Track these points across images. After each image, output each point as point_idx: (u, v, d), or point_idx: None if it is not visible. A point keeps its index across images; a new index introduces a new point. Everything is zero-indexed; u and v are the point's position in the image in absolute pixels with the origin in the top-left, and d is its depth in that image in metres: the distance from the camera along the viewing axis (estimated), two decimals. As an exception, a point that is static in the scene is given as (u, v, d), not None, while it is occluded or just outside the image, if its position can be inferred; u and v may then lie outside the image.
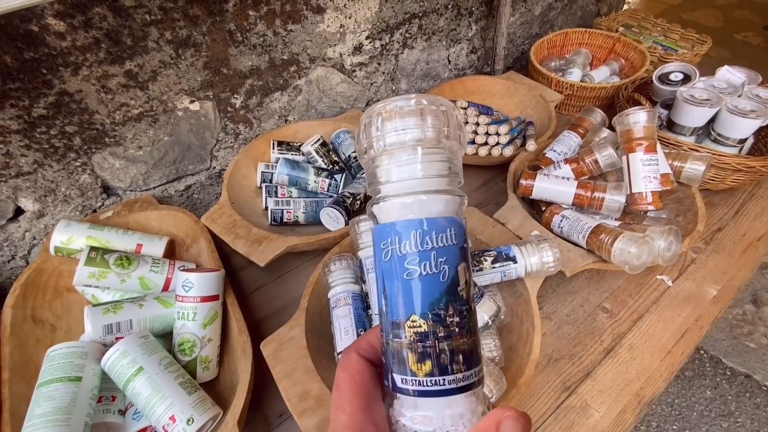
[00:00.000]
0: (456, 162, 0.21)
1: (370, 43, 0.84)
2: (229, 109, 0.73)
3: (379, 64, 0.89)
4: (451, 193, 0.20)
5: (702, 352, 1.31)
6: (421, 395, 0.19)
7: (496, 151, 0.74)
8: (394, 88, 0.96)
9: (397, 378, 0.20)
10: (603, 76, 1.06)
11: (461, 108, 0.80)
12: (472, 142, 0.76)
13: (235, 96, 0.73)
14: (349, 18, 0.76)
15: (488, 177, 0.85)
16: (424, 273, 0.19)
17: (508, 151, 0.73)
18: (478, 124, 0.77)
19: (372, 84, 0.91)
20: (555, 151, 0.75)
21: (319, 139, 0.74)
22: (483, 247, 0.58)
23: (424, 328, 0.19)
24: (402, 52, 0.92)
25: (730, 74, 0.80)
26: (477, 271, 0.52)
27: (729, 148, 0.76)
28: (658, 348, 0.60)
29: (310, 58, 0.77)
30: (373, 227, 0.21)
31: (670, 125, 0.80)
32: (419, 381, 0.19)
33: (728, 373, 1.25)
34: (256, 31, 0.68)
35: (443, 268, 0.19)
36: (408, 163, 0.20)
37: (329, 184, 0.70)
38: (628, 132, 0.62)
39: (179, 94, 0.66)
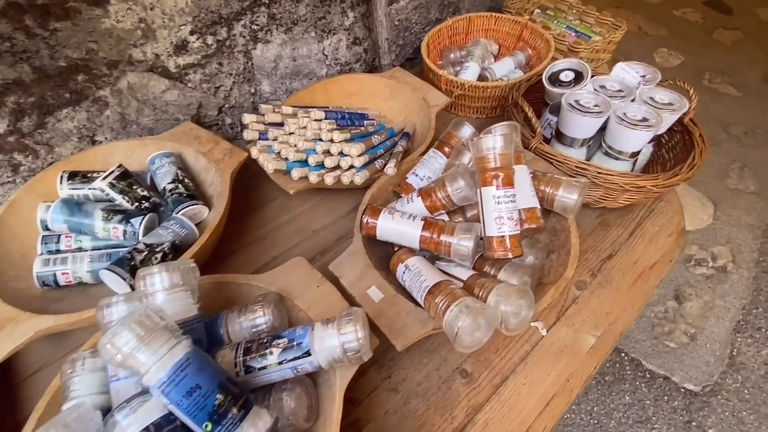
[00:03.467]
0: None
1: (199, 39, 0.67)
2: (-11, 135, 0.56)
3: (220, 64, 0.72)
4: None
5: (623, 354, 1.27)
6: None
7: (345, 178, 0.60)
8: (253, 90, 0.80)
9: None
10: (506, 69, 0.93)
11: (315, 120, 0.65)
12: (321, 165, 0.62)
13: (-6, 118, 0.55)
14: (151, 9, 0.59)
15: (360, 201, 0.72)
16: None
17: (360, 179, 0.59)
18: (332, 141, 0.63)
19: (218, 88, 0.74)
20: (417, 175, 0.62)
21: (113, 172, 0.57)
22: (286, 326, 0.45)
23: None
24: (254, 48, 0.75)
25: (625, 73, 0.69)
26: (260, 370, 0.39)
27: (621, 162, 0.66)
28: (517, 423, 0.50)
29: (108, 62, 0.60)
30: None
31: (559, 136, 0.68)
32: None
33: (647, 375, 1.22)
34: (-5, 32, 0.50)
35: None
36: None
37: (125, 231, 0.55)
38: (481, 160, 0.50)
39: None
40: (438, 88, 0.86)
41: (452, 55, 0.96)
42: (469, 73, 0.88)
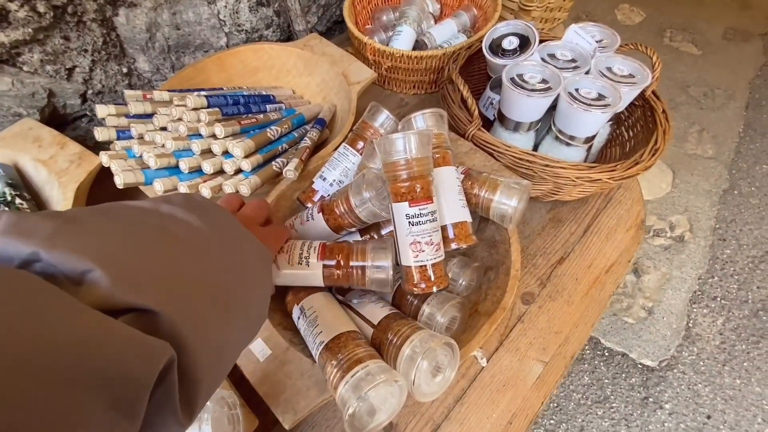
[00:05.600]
0: None
1: (23, 6, 0.49)
2: None
3: (66, 38, 0.55)
4: None
5: (583, 333, 1.24)
6: None
7: (228, 188, 0.46)
8: (125, 69, 0.63)
9: None
10: (448, 33, 0.79)
11: (192, 109, 0.50)
12: (199, 170, 0.48)
13: None
14: None
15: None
16: None
17: (248, 188, 0.46)
18: (215, 137, 0.49)
19: (72, 70, 0.57)
20: (325, 178, 0.49)
21: None
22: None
23: None
24: (115, 14, 0.58)
25: (579, 38, 0.57)
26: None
27: (574, 148, 0.55)
28: (448, 487, 0.41)
29: None
30: None
31: (502, 119, 0.57)
32: None
33: (606, 354, 1.19)
34: None
35: None
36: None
37: None
38: (390, 167, 0.37)
39: None
40: (365, 60, 0.71)
41: (384, 17, 0.81)
42: (403, 40, 0.73)
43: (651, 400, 1.12)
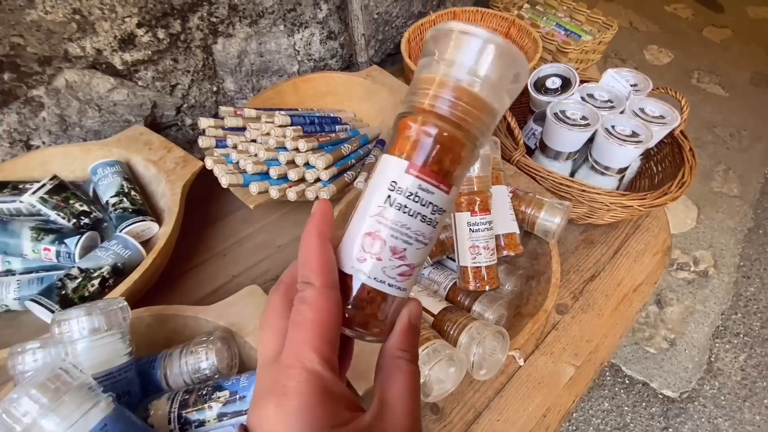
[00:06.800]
0: None
1: (148, 32, 0.60)
2: None
3: (175, 60, 0.65)
4: None
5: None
6: None
7: (310, 194, 0.54)
8: (215, 88, 0.73)
9: None
10: (491, 69, 0.87)
11: (279, 126, 0.59)
12: (285, 178, 0.56)
13: None
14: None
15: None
16: None
17: (326, 194, 0.54)
18: (297, 150, 0.58)
19: (175, 86, 0.68)
20: (389, 190, 0.57)
21: (44, 185, 0.51)
22: (235, 366, 0.41)
23: None
24: (215, 43, 0.68)
25: (615, 81, 0.64)
26: (197, 426, 0.35)
27: (608, 178, 0.62)
28: (489, 467, 0.46)
29: (39, 59, 0.53)
30: None
31: (543, 148, 0.64)
32: None
33: (627, 381, 1.21)
34: None
35: None
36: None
37: (58, 253, 0.49)
38: (456, 182, 0.45)
39: None
40: (418, 90, 0.80)
41: (435, 53, 0.90)
42: (452, 74, 0.82)
43: (671, 430, 1.13)
